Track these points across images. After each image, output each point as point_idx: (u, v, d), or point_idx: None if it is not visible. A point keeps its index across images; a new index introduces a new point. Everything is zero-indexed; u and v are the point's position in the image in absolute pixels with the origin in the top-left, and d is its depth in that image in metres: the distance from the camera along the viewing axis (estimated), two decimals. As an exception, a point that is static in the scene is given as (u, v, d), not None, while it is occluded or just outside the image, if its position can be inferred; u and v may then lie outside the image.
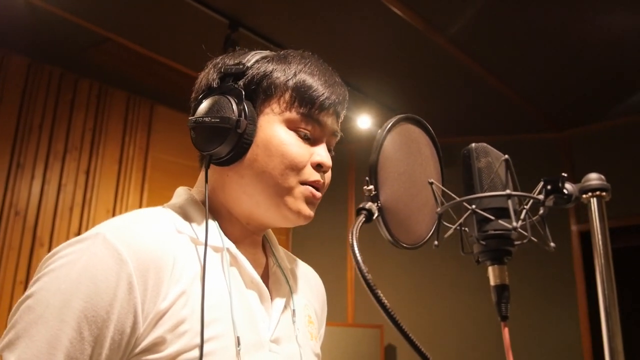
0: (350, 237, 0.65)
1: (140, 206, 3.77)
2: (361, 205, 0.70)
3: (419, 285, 4.10)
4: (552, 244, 0.69)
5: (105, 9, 2.87)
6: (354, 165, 4.58)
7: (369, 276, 0.62)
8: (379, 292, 0.61)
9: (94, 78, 3.65)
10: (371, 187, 0.71)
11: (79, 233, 3.45)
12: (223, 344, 0.80)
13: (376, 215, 0.71)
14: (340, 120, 0.97)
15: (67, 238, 3.37)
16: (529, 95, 3.65)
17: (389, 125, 0.75)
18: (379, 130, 0.75)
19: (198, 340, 0.77)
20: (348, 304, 4.27)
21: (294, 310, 0.97)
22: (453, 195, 0.71)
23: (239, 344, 0.81)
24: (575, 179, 0.72)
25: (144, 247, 0.78)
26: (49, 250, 3.36)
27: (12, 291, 3.11)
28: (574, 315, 3.81)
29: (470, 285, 4.01)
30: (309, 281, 1.09)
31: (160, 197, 3.87)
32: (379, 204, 0.71)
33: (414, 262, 4.08)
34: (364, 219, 0.69)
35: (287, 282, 0.99)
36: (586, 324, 3.74)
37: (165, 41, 3.17)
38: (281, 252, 1.05)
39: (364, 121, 3.94)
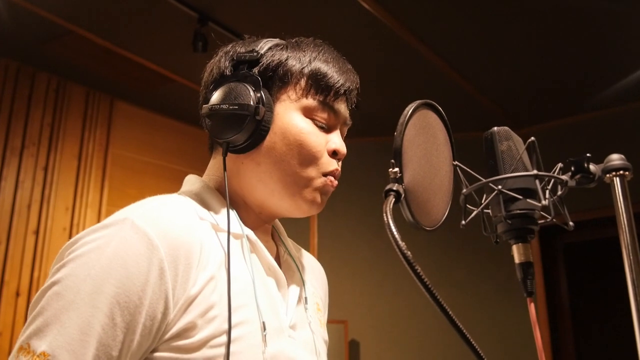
0: (385, 217, 0.66)
1: (100, 203, 3.68)
2: (389, 187, 0.72)
3: (382, 281, 4.14)
4: (571, 223, 0.72)
5: None
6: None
7: (408, 253, 0.63)
8: (419, 268, 0.63)
9: (52, 72, 3.54)
10: (396, 169, 0.73)
11: (37, 231, 3.34)
12: (250, 329, 0.81)
13: (403, 196, 0.72)
14: (351, 109, 0.99)
15: (25, 236, 3.29)
16: (489, 91, 3.72)
17: (412, 110, 0.77)
18: (402, 115, 0.76)
19: (227, 326, 0.77)
20: (312, 301, 4.27)
21: (306, 298, 0.98)
22: (479, 177, 0.73)
23: (264, 328, 0.82)
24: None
25: (174, 232, 0.78)
26: (6, 249, 3.26)
27: (-32, 292, 2.99)
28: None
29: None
30: (313, 270, 1.12)
31: (121, 194, 3.79)
32: (403, 186, 0.73)
33: (378, 257, 4.12)
34: (394, 199, 0.70)
35: (298, 270, 1.00)
36: (544, 318, 3.85)
37: (130, 35, 3.10)
38: (289, 241, 1.06)
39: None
